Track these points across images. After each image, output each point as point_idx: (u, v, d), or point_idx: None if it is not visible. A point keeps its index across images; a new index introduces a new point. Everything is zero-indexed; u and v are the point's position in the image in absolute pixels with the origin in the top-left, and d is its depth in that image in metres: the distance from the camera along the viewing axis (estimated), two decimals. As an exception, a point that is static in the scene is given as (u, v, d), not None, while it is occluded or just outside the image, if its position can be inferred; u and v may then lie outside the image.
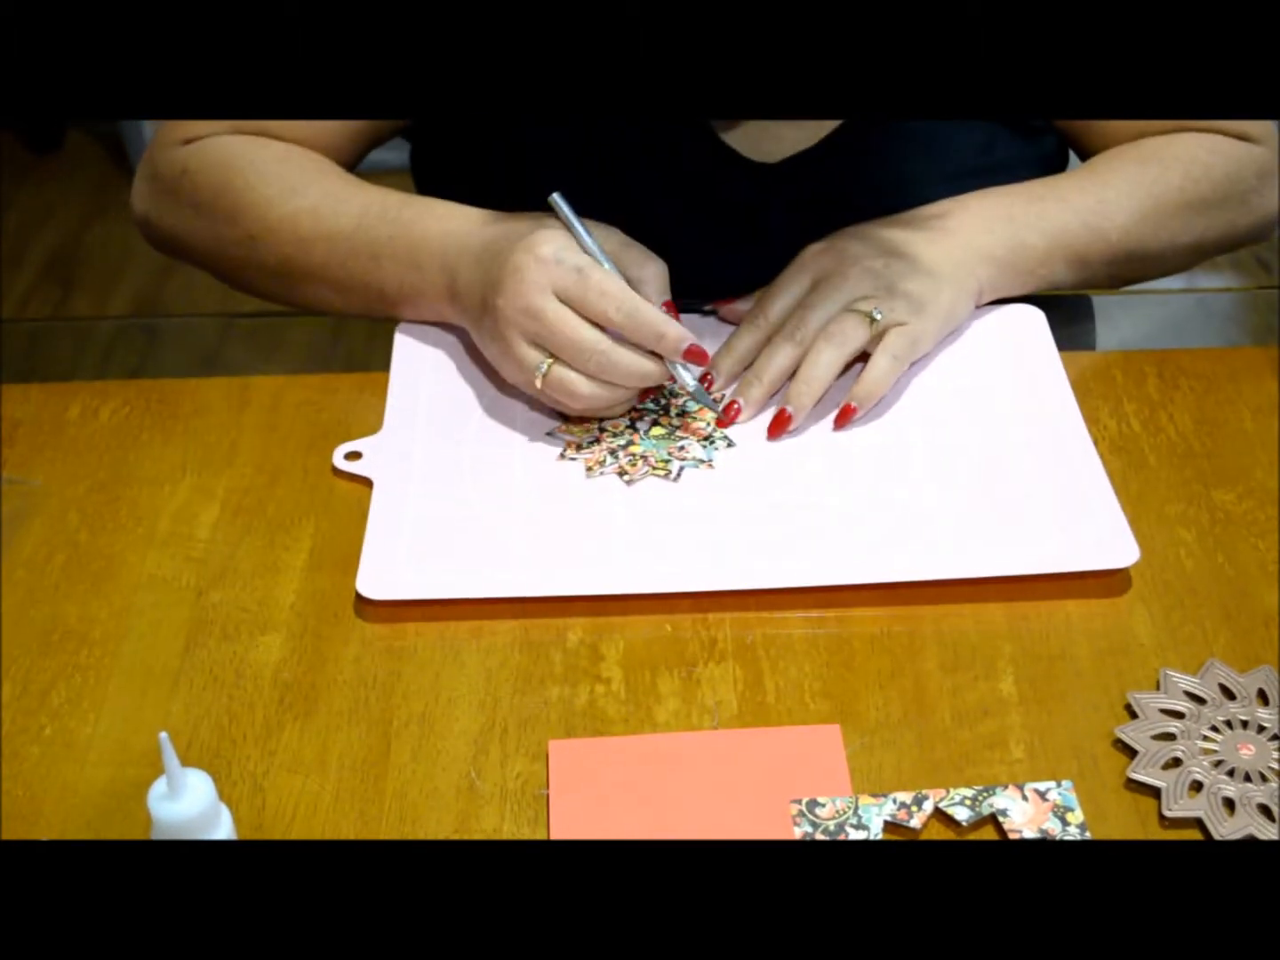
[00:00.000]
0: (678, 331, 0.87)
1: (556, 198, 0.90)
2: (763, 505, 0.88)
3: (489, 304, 0.89)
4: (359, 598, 0.83)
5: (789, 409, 0.92)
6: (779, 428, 0.92)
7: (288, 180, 1.00)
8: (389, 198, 0.98)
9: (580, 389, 0.88)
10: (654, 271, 0.91)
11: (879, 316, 0.92)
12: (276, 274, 1.01)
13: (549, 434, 0.93)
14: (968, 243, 0.97)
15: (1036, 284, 1.00)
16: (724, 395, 0.95)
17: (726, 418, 0.93)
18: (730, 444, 0.92)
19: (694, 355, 0.88)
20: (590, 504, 0.88)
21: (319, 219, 0.98)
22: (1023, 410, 0.93)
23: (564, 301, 0.87)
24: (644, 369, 0.88)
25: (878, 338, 0.93)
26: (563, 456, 0.91)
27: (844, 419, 0.92)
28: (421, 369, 0.98)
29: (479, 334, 0.93)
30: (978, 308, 0.99)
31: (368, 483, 0.90)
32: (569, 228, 0.90)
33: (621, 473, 0.90)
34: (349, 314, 1.01)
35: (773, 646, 0.80)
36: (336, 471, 0.92)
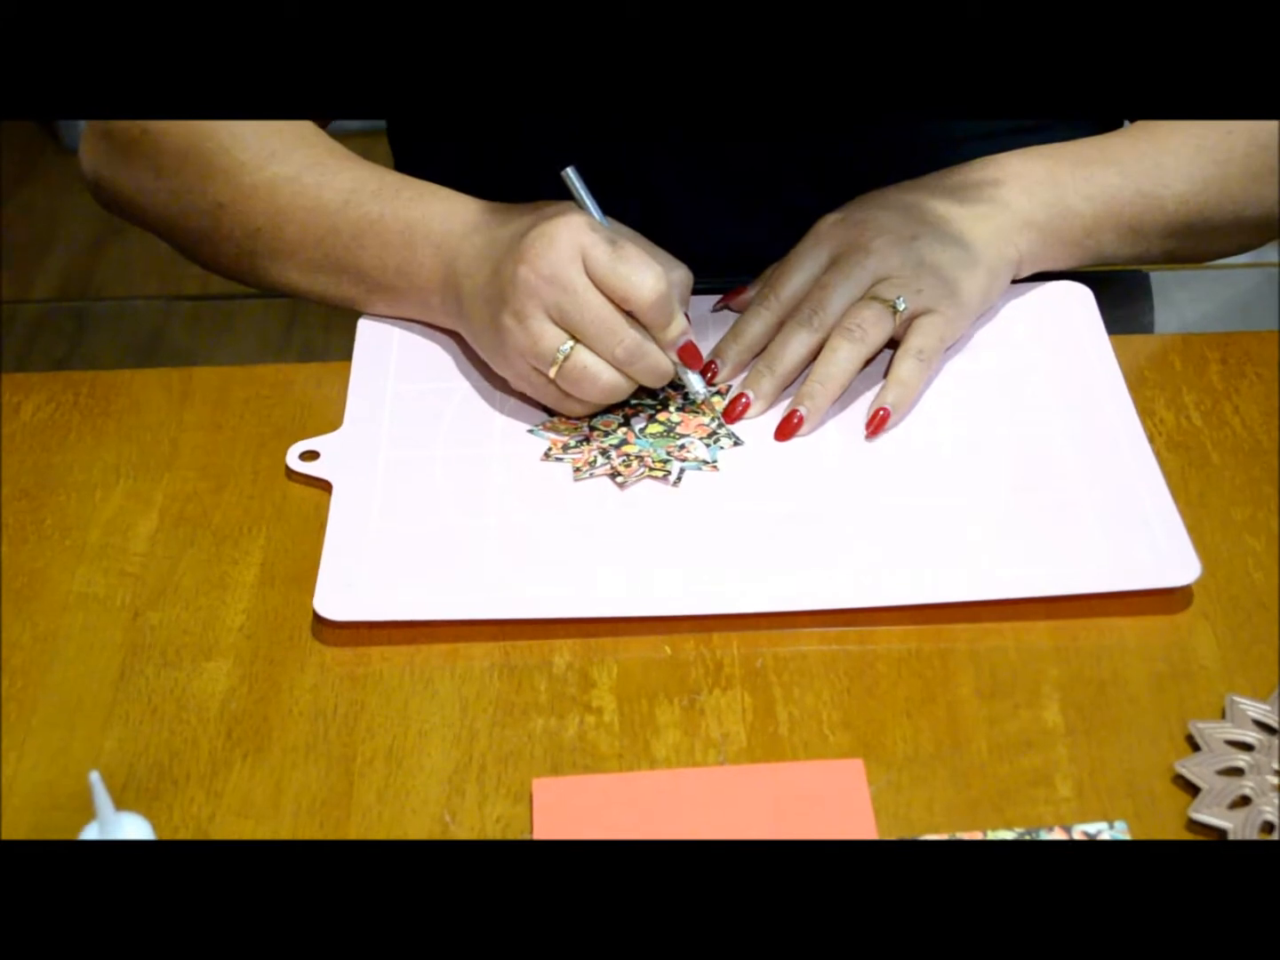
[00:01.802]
0: (683, 324, 0.90)
1: (570, 172, 0.90)
2: (773, 514, 0.87)
3: (505, 275, 0.89)
4: (317, 618, 0.83)
5: (801, 411, 0.91)
6: (788, 431, 0.91)
7: (268, 144, 0.99)
8: (386, 176, 0.98)
9: (604, 377, 0.88)
10: (679, 277, 0.92)
11: (903, 306, 0.92)
12: (243, 249, 0.99)
13: (531, 431, 0.93)
14: (1005, 206, 0.97)
15: (1083, 256, 0.99)
16: (730, 387, 0.95)
17: (734, 412, 0.93)
18: (737, 443, 0.91)
19: (687, 352, 0.90)
20: (578, 511, 0.88)
21: (300, 189, 0.97)
22: (1067, 402, 0.93)
23: (590, 274, 0.87)
24: (666, 365, 0.90)
25: (904, 326, 0.93)
26: (547, 456, 0.91)
27: (877, 426, 0.91)
28: (387, 357, 0.98)
29: (481, 322, 0.92)
30: (1016, 282, 0.99)
31: (326, 486, 0.90)
32: (581, 204, 0.90)
33: (614, 475, 0.89)
34: (315, 300, 1.00)
35: (786, 671, 0.80)
36: (291, 474, 0.91)
